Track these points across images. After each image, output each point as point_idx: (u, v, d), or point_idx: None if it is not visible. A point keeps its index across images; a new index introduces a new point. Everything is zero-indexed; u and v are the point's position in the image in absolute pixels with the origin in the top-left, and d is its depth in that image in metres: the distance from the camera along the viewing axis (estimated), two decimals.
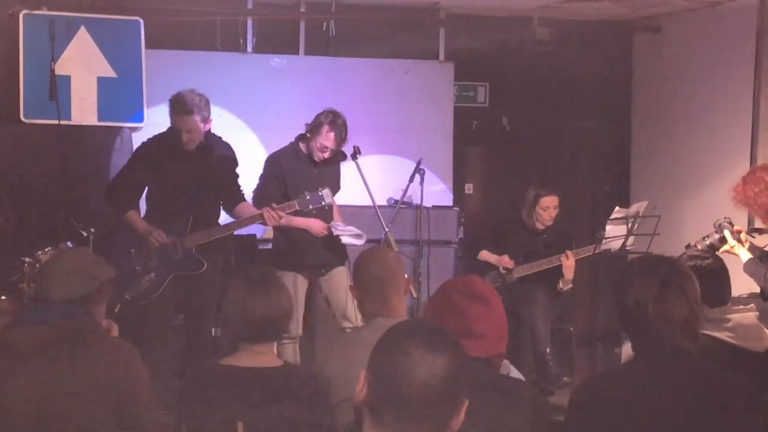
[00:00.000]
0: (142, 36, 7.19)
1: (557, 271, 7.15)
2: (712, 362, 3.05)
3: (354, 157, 6.52)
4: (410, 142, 7.94)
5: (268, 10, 7.79)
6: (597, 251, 7.05)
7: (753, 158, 7.18)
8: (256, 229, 7.30)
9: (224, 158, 6.21)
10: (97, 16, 7.12)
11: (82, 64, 7.04)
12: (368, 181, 6.48)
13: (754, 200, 5.66)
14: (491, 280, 7.09)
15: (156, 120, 7.31)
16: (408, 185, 7.30)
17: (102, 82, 7.10)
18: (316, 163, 6.38)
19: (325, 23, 7.84)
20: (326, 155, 6.33)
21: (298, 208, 5.97)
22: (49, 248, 5.57)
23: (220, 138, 6.28)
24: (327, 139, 6.27)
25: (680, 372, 2.84)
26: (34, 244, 5.77)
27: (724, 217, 5.83)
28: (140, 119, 7.23)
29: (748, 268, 5.64)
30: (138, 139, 7.20)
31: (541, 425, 2.83)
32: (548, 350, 6.97)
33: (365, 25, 7.95)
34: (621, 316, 2.93)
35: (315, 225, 6.32)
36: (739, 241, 5.71)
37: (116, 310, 5.59)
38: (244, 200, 6.28)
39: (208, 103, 6.09)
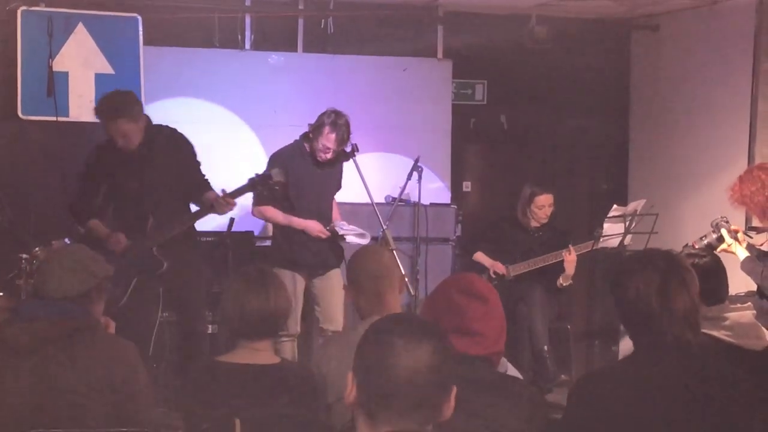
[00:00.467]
0: (140, 33, 7.17)
1: (555, 269, 7.15)
2: (712, 358, 3.06)
3: (352, 154, 6.52)
4: (408, 139, 7.94)
5: (266, 8, 7.79)
6: (595, 249, 7.06)
7: (751, 157, 7.19)
8: (255, 227, 7.30)
9: (173, 149, 5.91)
10: (95, 13, 7.11)
11: (80, 60, 7.03)
12: (366, 178, 6.48)
13: (750, 199, 5.67)
14: (488, 278, 7.10)
15: (154, 117, 7.28)
16: (406, 183, 7.31)
17: (100, 78, 7.09)
18: (319, 162, 6.35)
19: (323, 20, 7.84)
20: (328, 156, 6.30)
21: (247, 191, 5.83)
22: (48, 244, 5.56)
23: (167, 129, 6.02)
24: (328, 139, 6.23)
25: (680, 366, 2.84)
26: (31, 240, 5.76)
27: (721, 217, 5.85)
28: None
29: (746, 266, 5.65)
30: None
31: (539, 423, 2.83)
32: (546, 348, 6.97)
33: (363, 23, 7.95)
34: (621, 310, 2.93)
35: (313, 226, 6.30)
36: (737, 239, 5.73)
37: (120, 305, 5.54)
38: (210, 189, 5.93)
39: (134, 100, 5.84)
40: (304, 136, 6.43)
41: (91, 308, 3.54)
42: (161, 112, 7.38)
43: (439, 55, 8.18)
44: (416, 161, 7.33)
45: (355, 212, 7.23)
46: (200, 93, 7.60)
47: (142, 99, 7.19)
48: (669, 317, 2.85)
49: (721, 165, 7.38)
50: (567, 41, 8.20)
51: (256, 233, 7.31)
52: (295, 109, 7.78)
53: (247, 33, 7.76)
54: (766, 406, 2.90)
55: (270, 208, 6.35)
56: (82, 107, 7.00)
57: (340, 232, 6.38)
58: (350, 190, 6.99)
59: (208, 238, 6.79)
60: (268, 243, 7.23)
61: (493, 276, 7.18)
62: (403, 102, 8.02)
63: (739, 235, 5.77)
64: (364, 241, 6.34)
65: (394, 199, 7.42)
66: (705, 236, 5.83)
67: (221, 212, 5.74)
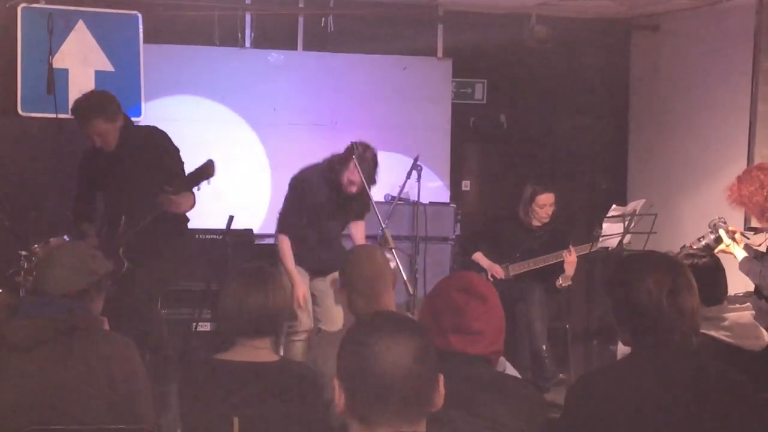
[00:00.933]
0: (140, 30, 7.18)
1: (554, 269, 7.15)
2: (712, 359, 3.07)
3: (351, 153, 6.51)
4: (408, 138, 7.94)
5: (266, 6, 7.79)
6: (594, 249, 7.07)
7: (750, 157, 7.19)
8: (253, 224, 7.30)
9: (148, 150, 5.72)
10: (95, 10, 7.12)
11: (80, 57, 7.04)
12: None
13: (749, 199, 5.68)
14: (487, 277, 7.09)
15: (154, 114, 7.31)
16: (405, 182, 7.31)
17: (100, 76, 7.10)
18: (340, 191, 6.10)
19: (323, 19, 7.84)
20: (353, 189, 6.05)
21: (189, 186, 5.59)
22: (46, 242, 5.56)
23: (146, 129, 5.95)
24: (354, 174, 5.97)
25: (682, 366, 2.85)
26: (30, 237, 5.76)
27: (719, 218, 5.87)
28: (138, 113, 7.21)
29: (744, 266, 5.67)
30: None
31: (538, 422, 2.83)
32: (544, 347, 6.97)
33: (363, 21, 7.95)
34: (626, 311, 2.93)
35: (297, 290, 6.06)
36: (734, 240, 5.74)
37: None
38: (187, 192, 5.62)
39: (110, 99, 5.72)
40: (329, 164, 6.13)
41: (90, 305, 3.54)
42: (161, 109, 7.40)
43: (439, 54, 8.18)
44: (416, 160, 7.33)
45: None
46: (200, 91, 7.60)
47: (142, 96, 7.22)
48: (679, 318, 2.87)
49: (720, 165, 7.38)
50: (567, 41, 8.21)
51: (255, 231, 7.30)
52: (295, 108, 7.79)
53: (247, 31, 7.76)
54: (765, 407, 2.91)
55: (285, 240, 6.17)
56: None
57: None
58: None
59: (207, 236, 6.79)
60: (266, 241, 7.24)
61: (490, 279, 7.17)
62: (403, 101, 8.02)
63: (737, 236, 5.79)
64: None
65: (393, 197, 7.42)
66: (703, 237, 5.85)
67: (170, 210, 5.50)
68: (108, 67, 7.13)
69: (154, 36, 7.30)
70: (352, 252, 4.05)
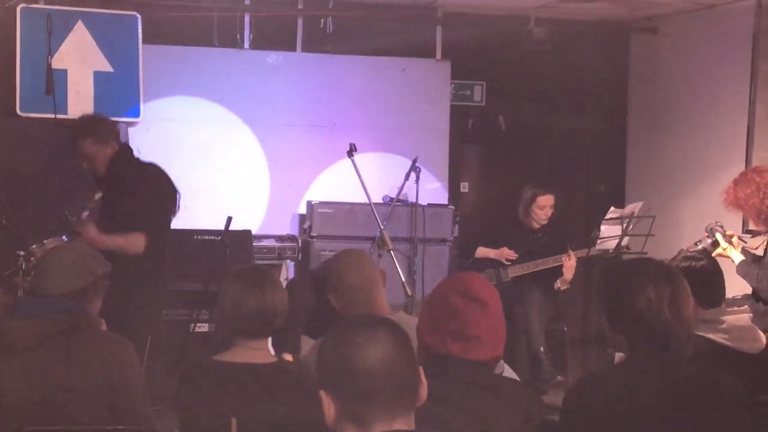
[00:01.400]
0: (140, 31, 7.18)
1: (552, 271, 7.15)
2: (707, 365, 3.08)
3: (350, 154, 6.52)
4: (406, 140, 7.94)
5: (265, 7, 7.78)
6: (592, 252, 7.06)
7: (748, 160, 7.19)
8: (252, 225, 7.30)
9: (128, 184, 5.43)
10: (94, 11, 7.11)
11: (79, 58, 7.04)
12: (364, 178, 6.49)
13: (745, 201, 5.68)
14: (487, 278, 7.09)
15: (152, 115, 7.32)
16: (404, 183, 7.32)
17: (99, 76, 7.10)
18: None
19: (322, 20, 7.83)
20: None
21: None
22: (44, 242, 5.56)
23: (143, 165, 5.60)
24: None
25: (678, 374, 2.86)
26: (29, 237, 5.76)
27: (716, 222, 5.88)
28: (136, 114, 7.22)
29: (741, 269, 5.67)
30: (134, 134, 7.21)
31: (536, 425, 2.83)
32: (542, 349, 6.98)
33: (362, 23, 7.94)
34: (625, 318, 2.94)
35: None
36: (731, 244, 5.75)
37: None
38: (137, 232, 5.29)
39: (101, 122, 5.54)
40: None
41: (88, 306, 3.54)
42: (159, 110, 7.41)
43: (438, 55, 8.18)
44: (414, 161, 7.34)
45: (353, 212, 7.26)
46: (199, 92, 7.60)
47: (141, 97, 7.22)
48: (678, 325, 2.89)
49: (718, 167, 7.38)
50: (566, 43, 8.21)
51: (253, 232, 7.29)
52: (294, 109, 7.79)
53: (246, 32, 7.76)
54: (762, 410, 2.91)
55: None
56: (80, 105, 7.00)
57: None
58: (348, 190, 7.00)
59: (205, 237, 6.79)
60: (264, 243, 7.25)
61: (506, 263, 7.18)
62: (402, 102, 8.02)
63: (734, 240, 5.80)
64: None
65: (391, 199, 7.42)
66: (700, 241, 5.87)
67: (90, 243, 5.01)
68: (107, 67, 7.13)
69: (153, 37, 7.30)
70: (338, 266, 4.04)
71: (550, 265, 7.13)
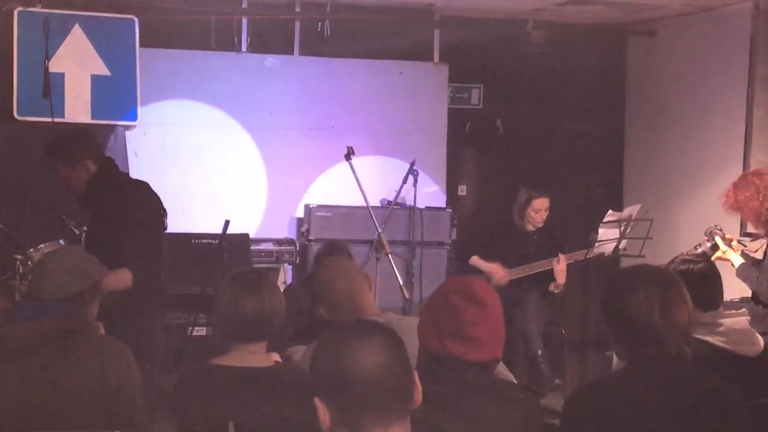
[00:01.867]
0: (137, 34, 7.17)
1: (549, 274, 7.15)
2: (705, 368, 3.08)
3: (348, 157, 6.51)
4: (404, 143, 7.94)
5: (263, 10, 7.78)
6: (589, 254, 7.06)
7: (746, 163, 7.19)
8: (249, 229, 7.29)
9: (107, 209, 5.14)
10: (91, 14, 7.10)
11: (77, 61, 7.03)
12: (361, 181, 6.48)
13: (745, 204, 5.69)
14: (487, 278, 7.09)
15: (150, 119, 7.31)
16: (401, 186, 7.32)
17: (96, 80, 7.09)
18: None
19: (320, 23, 7.82)
20: None
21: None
22: (42, 246, 5.55)
23: (120, 184, 5.28)
24: None
25: (676, 380, 2.86)
26: (26, 241, 5.75)
27: (715, 225, 5.88)
28: (134, 118, 7.21)
29: (741, 272, 5.68)
30: (131, 138, 7.21)
31: (533, 427, 2.83)
32: (540, 352, 6.97)
33: (360, 26, 7.94)
34: (620, 324, 2.95)
35: None
36: (731, 247, 5.75)
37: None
38: (123, 267, 4.89)
39: (72, 140, 5.22)
40: None
41: (85, 309, 3.54)
42: (157, 114, 7.40)
43: (436, 59, 8.18)
44: (412, 165, 7.34)
45: (350, 215, 7.26)
46: (196, 95, 7.59)
47: (138, 100, 7.20)
48: (671, 331, 2.89)
49: (716, 171, 7.39)
50: (563, 46, 8.21)
51: (251, 236, 7.29)
52: (291, 112, 7.78)
53: (244, 35, 7.76)
54: (761, 414, 2.91)
55: None
56: (77, 109, 7.00)
57: None
58: (346, 193, 6.99)
59: (202, 240, 6.78)
60: (262, 246, 7.24)
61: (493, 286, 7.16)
62: (399, 105, 8.01)
63: (734, 243, 5.80)
64: None
65: (389, 202, 7.42)
66: (699, 245, 5.87)
67: None
68: (104, 71, 7.12)
69: (150, 40, 7.29)
70: (324, 273, 4.05)
71: (544, 269, 7.12)
